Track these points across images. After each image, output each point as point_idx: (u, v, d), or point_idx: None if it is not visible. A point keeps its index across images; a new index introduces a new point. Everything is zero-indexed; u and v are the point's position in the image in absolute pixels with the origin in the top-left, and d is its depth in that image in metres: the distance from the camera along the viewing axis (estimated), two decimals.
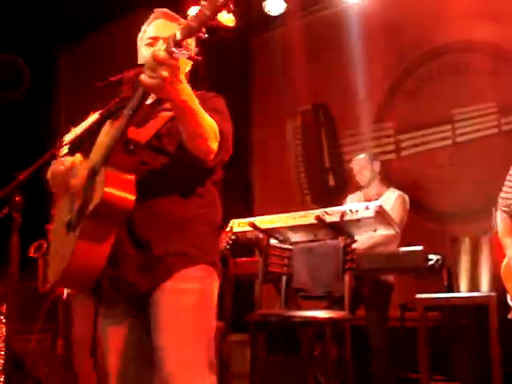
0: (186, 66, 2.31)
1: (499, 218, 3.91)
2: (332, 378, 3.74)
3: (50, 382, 4.90)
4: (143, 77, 1.81)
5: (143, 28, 2.39)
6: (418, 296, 4.30)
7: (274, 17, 6.80)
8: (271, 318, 3.66)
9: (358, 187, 5.26)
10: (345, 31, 6.50)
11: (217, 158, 2.09)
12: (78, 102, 7.08)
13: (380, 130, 6.41)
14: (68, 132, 2.27)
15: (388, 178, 5.90)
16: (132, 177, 1.99)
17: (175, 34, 1.74)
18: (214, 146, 2.05)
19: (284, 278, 4.08)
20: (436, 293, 4.39)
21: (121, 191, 1.94)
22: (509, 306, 3.76)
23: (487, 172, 5.40)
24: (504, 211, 3.87)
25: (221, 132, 2.08)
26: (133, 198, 1.97)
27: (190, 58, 1.86)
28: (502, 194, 3.90)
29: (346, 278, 3.74)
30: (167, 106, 2.18)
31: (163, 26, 2.32)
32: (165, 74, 1.76)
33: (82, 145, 2.24)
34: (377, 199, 4.84)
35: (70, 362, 4.67)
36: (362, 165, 5.15)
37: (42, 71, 7.55)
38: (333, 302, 3.89)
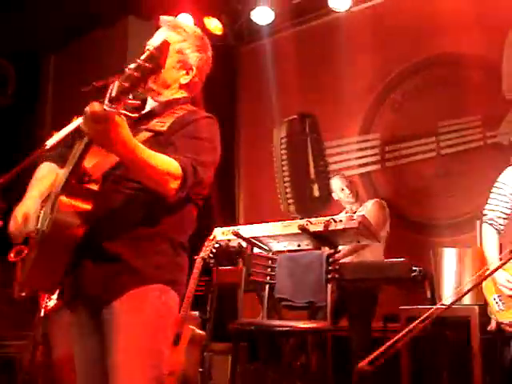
0: (181, 77, 2.32)
1: (484, 231, 3.92)
2: None
3: None
4: (83, 126, 1.85)
5: (149, 42, 2.38)
6: (401, 307, 4.31)
7: (262, 26, 6.82)
8: (253, 327, 3.65)
9: (342, 206, 5.32)
10: (332, 42, 6.54)
11: (179, 194, 2.05)
12: (64, 107, 7.05)
13: (365, 141, 6.43)
14: (51, 137, 2.25)
15: (373, 189, 5.93)
16: (86, 205, 2.02)
17: (111, 90, 1.79)
18: (170, 185, 2.01)
19: (267, 287, 4.07)
20: (419, 305, 4.40)
21: (68, 218, 2.00)
22: (489, 318, 3.77)
23: (472, 185, 5.43)
24: (489, 224, 3.88)
25: (187, 166, 2.04)
26: (81, 228, 2.01)
27: (125, 114, 1.86)
28: (486, 207, 3.91)
29: (329, 287, 3.73)
30: (152, 124, 2.19)
31: (160, 34, 2.32)
32: (100, 128, 1.81)
33: (63, 151, 2.26)
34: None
35: (49, 368, 4.64)
36: (337, 188, 5.26)
37: (29, 75, 7.53)
38: (315, 312, 3.88)
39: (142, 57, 1.78)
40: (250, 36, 7.30)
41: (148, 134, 2.12)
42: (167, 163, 2.01)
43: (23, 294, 4.26)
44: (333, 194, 5.41)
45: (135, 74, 1.76)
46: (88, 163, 2.04)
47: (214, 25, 6.78)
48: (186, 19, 6.51)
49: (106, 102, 1.78)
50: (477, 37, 5.68)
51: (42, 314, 4.17)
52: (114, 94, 1.78)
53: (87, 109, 1.80)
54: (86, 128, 1.84)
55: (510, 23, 5.56)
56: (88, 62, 7.25)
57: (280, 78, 6.85)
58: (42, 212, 2.17)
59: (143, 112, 2.30)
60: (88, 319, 2.17)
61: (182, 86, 2.34)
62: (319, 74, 6.73)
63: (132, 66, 1.78)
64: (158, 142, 2.10)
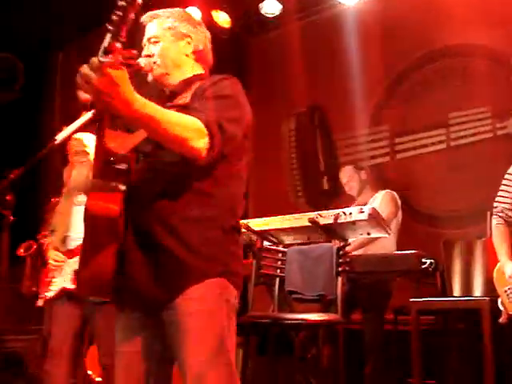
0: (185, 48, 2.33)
1: (493, 223, 3.91)
2: (324, 380, 3.73)
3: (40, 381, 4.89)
4: (81, 92, 1.87)
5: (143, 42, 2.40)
6: (412, 300, 4.30)
7: (271, 19, 6.81)
8: (263, 321, 3.64)
9: (351, 199, 5.27)
10: (341, 34, 6.50)
11: (211, 154, 1.94)
12: (72, 101, 7.04)
13: (375, 133, 6.41)
14: (60, 131, 2.25)
15: (382, 181, 5.90)
16: (118, 186, 1.96)
17: (104, 42, 1.80)
18: (198, 144, 1.91)
19: (277, 281, 4.07)
20: (429, 297, 4.38)
21: (105, 203, 1.94)
22: (500, 310, 3.75)
23: (482, 176, 5.40)
24: (499, 216, 3.88)
25: (211, 122, 1.95)
26: (117, 208, 1.93)
27: (124, 63, 1.84)
28: (496, 199, 3.90)
29: (340, 280, 3.72)
30: (177, 101, 2.18)
31: (156, 24, 2.35)
32: (99, 85, 1.79)
33: None
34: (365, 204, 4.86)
35: None
36: (348, 176, 5.17)
37: (37, 70, 7.54)
38: (326, 305, 3.87)
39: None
40: (258, 29, 7.29)
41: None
42: (187, 120, 1.93)
43: (33, 289, 4.29)
44: (342, 181, 5.29)
45: (118, 14, 1.78)
46: (111, 145, 1.98)
47: (222, 18, 6.76)
48: (193, 13, 6.51)
49: (100, 53, 1.78)
50: (485, 28, 5.65)
51: (42, 304, 4.18)
52: (105, 45, 1.78)
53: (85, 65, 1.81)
54: (84, 84, 1.82)
55: None
56: (95, 56, 7.26)
57: (288, 70, 6.83)
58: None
59: (166, 93, 2.29)
60: (137, 317, 2.10)
61: (191, 57, 2.33)
62: (328, 66, 6.71)
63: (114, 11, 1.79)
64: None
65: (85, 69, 1.77)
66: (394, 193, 5.01)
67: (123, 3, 1.77)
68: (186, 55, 2.33)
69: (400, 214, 4.91)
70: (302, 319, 3.54)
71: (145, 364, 2.09)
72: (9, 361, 5.39)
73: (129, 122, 1.99)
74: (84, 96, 1.79)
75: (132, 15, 1.80)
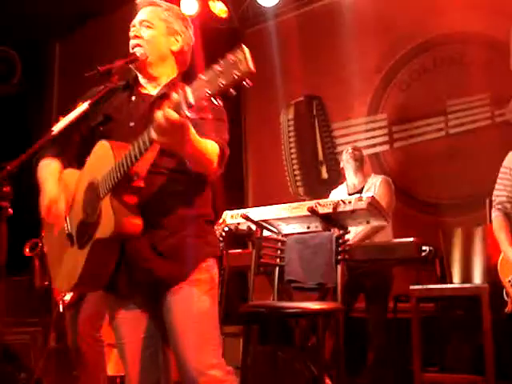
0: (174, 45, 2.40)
1: (493, 216, 3.97)
2: (325, 369, 3.74)
3: (43, 374, 4.91)
4: (157, 136, 1.89)
5: (133, 22, 2.44)
6: (412, 287, 4.30)
7: (268, 8, 6.79)
8: (264, 310, 3.65)
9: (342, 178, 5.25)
10: (338, 23, 6.49)
11: (218, 172, 2.24)
12: (69, 93, 7.05)
13: (373, 121, 6.40)
14: (57, 122, 2.26)
15: (381, 170, 5.91)
16: (136, 200, 2.16)
17: (186, 95, 1.76)
18: (215, 164, 2.18)
19: (277, 270, 4.07)
20: (429, 284, 4.39)
21: (129, 218, 2.13)
22: (505, 300, 3.77)
23: (480, 163, 5.40)
24: (497, 208, 3.94)
25: (221, 146, 2.20)
26: (140, 222, 2.15)
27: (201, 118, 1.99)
28: (494, 192, 3.97)
29: (339, 269, 3.73)
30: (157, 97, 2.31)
31: (153, 11, 2.40)
32: (177, 137, 1.89)
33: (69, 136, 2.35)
34: (361, 188, 4.85)
35: (62, 354, 4.67)
36: (357, 151, 5.12)
37: (34, 63, 7.53)
38: (326, 294, 3.88)
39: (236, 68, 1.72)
40: (254, 18, 7.26)
41: None
42: (213, 147, 2.16)
43: (46, 283, 4.35)
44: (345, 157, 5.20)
45: (223, 82, 1.72)
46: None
47: (219, 8, 6.74)
48: (190, 3, 6.49)
49: (184, 107, 1.78)
50: (483, 15, 5.64)
51: (61, 309, 4.21)
52: (191, 100, 1.76)
53: (160, 118, 1.82)
54: (161, 137, 1.88)
55: None
56: (92, 47, 7.24)
57: (286, 60, 6.82)
58: (68, 217, 2.30)
59: (155, 94, 2.37)
60: (137, 304, 2.34)
61: (174, 55, 2.42)
62: (325, 55, 6.69)
63: (218, 67, 1.72)
64: None
65: (173, 115, 1.81)
66: (389, 179, 5.00)
67: (235, 74, 1.70)
68: (172, 52, 2.41)
69: (394, 200, 4.91)
70: (301, 308, 3.55)
71: (151, 346, 2.34)
72: (8, 354, 5.40)
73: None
74: (162, 139, 1.89)
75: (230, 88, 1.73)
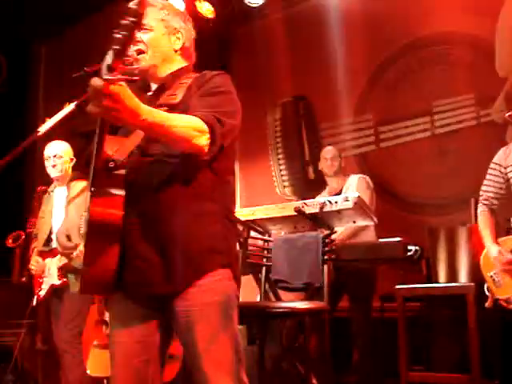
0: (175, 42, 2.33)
1: (479, 211, 4.02)
2: (311, 368, 3.75)
3: (32, 375, 4.90)
4: (89, 107, 1.79)
5: None
6: (398, 287, 4.32)
7: (255, 8, 6.79)
8: (250, 310, 3.65)
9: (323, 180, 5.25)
10: (325, 23, 6.51)
11: (213, 148, 2.03)
12: (55, 94, 7.03)
13: (360, 121, 6.43)
14: (43, 123, 2.26)
15: (368, 170, 5.93)
16: (119, 192, 2.03)
17: (107, 59, 1.74)
18: (201, 141, 1.99)
19: (264, 270, 4.08)
20: (415, 284, 4.42)
21: (107, 208, 2.00)
22: (486, 295, 3.80)
23: (466, 163, 5.44)
24: (484, 204, 3.99)
25: (209, 119, 2.02)
26: (120, 213, 2.01)
27: (127, 80, 1.80)
28: (482, 187, 4.02)
29: (326, 268, 3.74)
30: (163, 99, 2.21)
31: (148, 13, 2.30)
32: (106, 103, 1.74)
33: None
34: (340, 191, 4.86)
35: (48, 355, 4.66)
36: (334, 154, 5.13)
37: (20, 63, 7.49)
38: (312, 293, 3.89)
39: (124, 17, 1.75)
40: (242, 19, 7.26)
41: (163, 110, 2.08)
42: (188, 120, 1.99)
43: (23, 279, 4.35)
44: (327, 157, 5.21)
45: (122, 33, 1.73)
46: (110, 151, 2.02)
47: (206, 8, 6.73)
48: (177, 3, 6.48)
49: (104, 71, 1.73)
50: (467, 16, 5.67)
51: (34, 303, 4.21)
52: (109, 62, 1.74)
53: (90, 83, 1.75)
54: (94, 108, 1.78)
55: (501, 0, 5.55)
56: (78, 48, 7.22)
57: (273, 60, 6.83)
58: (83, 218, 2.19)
59: (153, 89, 2.31)
60: (139, 309, 2.16)
61: (177, 54, 2.34)
62: (312, 55, 6.71)
63: (117, 29, 1.74)
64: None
65: (95, 81, 1.75)
66: (367, 177, 5.01)
67: (127, 22, 1.73)
68: (175, 51, 2.34)
69: (374, 198, 4.92)
70: (288, 308, 3.56)
71: (144, 354, 2.15)
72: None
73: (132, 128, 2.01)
74: (93, 109, 1.78)
75: (136, 34, 1.79)
